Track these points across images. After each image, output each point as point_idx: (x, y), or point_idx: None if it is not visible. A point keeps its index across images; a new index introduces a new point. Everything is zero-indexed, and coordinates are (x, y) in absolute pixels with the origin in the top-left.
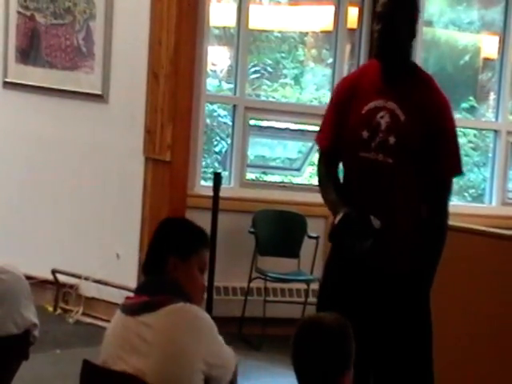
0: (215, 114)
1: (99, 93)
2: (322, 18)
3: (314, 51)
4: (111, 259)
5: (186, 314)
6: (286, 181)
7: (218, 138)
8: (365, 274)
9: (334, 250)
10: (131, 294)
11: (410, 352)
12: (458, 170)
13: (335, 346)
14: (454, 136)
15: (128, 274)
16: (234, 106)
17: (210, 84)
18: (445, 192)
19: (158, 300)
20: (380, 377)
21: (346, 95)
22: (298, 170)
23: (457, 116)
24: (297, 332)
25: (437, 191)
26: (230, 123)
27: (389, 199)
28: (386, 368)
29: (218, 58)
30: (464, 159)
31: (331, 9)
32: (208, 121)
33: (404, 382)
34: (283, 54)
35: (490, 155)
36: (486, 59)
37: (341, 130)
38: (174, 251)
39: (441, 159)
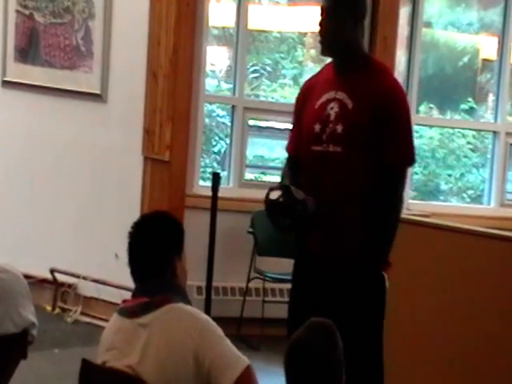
0: (214, 114)
1: (98, 92)
2: None
3: (312, 51)
4: (110, 259)
5: (182, 313)
6: None
7: (216, 138)
8: (317, 269)
9: (297, 250)
10: (128, 297)
11: (358, 350)
12: (407, 159)
13: (331, 366)
14: (405, 124)
15: (127, 273)
16: (233, 106)
17: (209, 84)
18: (394, 181)
19: (157, 300)
20: None
21: (302, 99)
22: None
23: (456, 117)
24: (288, 359)
25: (385, 180)
26: (229, 123)
27: (338, 189)
28: None
29: (217, 58)
30: (463, 160)
31: None
32: (207, 121)
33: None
34: (282, 55)
35: (489, 156)
36: (485, 60)
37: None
38: (176, 251)
39: (389, 146)
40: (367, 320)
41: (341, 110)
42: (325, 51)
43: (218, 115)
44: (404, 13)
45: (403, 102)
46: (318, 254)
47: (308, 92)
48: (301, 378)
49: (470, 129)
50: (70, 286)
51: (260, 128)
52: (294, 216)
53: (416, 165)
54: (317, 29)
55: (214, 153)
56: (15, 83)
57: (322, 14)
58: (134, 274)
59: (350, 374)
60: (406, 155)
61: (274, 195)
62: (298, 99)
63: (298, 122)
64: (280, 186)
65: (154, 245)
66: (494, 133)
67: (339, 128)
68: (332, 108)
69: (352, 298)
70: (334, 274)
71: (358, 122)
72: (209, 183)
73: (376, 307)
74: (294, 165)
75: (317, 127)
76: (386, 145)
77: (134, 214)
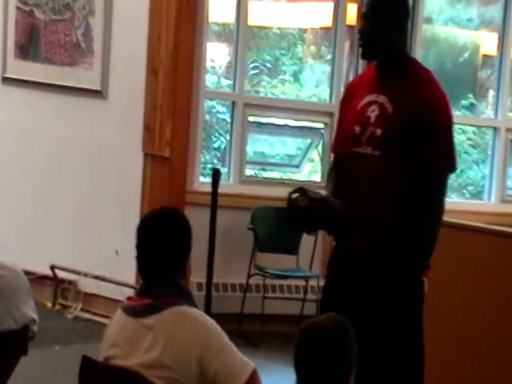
0: (214, 110)
1: (98, 89)
2: (321, 15)
3: (313, 48)
4: (110, 255)
5: (187, 317)
6: (285, 177)
7: (216, 135)
8: (353, 272)
9: (333, 250)
10: (132, 295)
11: (394, 358)
12: (446, 164)
13: (340, 353)
14: (446, 130)
15: (127, 270)
16: (233, 102)
17: (209, 80)
18: (432, 187)
19: (162, 302)
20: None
21: (347, 98)
22: (297, 166)
23: (456, 113)
24: (299, 340)
25: (424, 186)
26: (229, 120)
27: (376, 192)
28: (369, 371)
29: (217, 54)
30: (463, 156)
31: (330, 5)
32: (207, 117)
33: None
34: (282, 51)
35: (489, 152)
36: (486, 56)
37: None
38: (188, 250)
39: (428, 151)
40: (401, 320)
41: (381, 114)
42: (365, 55)
43: (218, 111)
44: None
45: (444, 107)
46: (351, 253)
47: (352, 92)
48: (309, 363)
49: (470, 125)
50: (70, 282)
51: (260, 124)
52: (312, 215)
53: None
54: (359, 32)
55: (215, 149)
56: (15, 80)
57: (363, 20)
58: (145, 273)
59: (387, 372)
60: (445, 160)
61: (294, 197)
62: (344, 99)
63: (341, 122)
64: (297, 189)
65: (170, 247)
66: (495, 129)
67: (378, 131)
68: (373, 111)
69: (383, 298)
70: (367, 274)
71: (397, 127)
72: (209, 179)
73: (410, 309)
74: (338, 164)
75: (357, 129)
76: (425, 150)
77: (135, 211)
